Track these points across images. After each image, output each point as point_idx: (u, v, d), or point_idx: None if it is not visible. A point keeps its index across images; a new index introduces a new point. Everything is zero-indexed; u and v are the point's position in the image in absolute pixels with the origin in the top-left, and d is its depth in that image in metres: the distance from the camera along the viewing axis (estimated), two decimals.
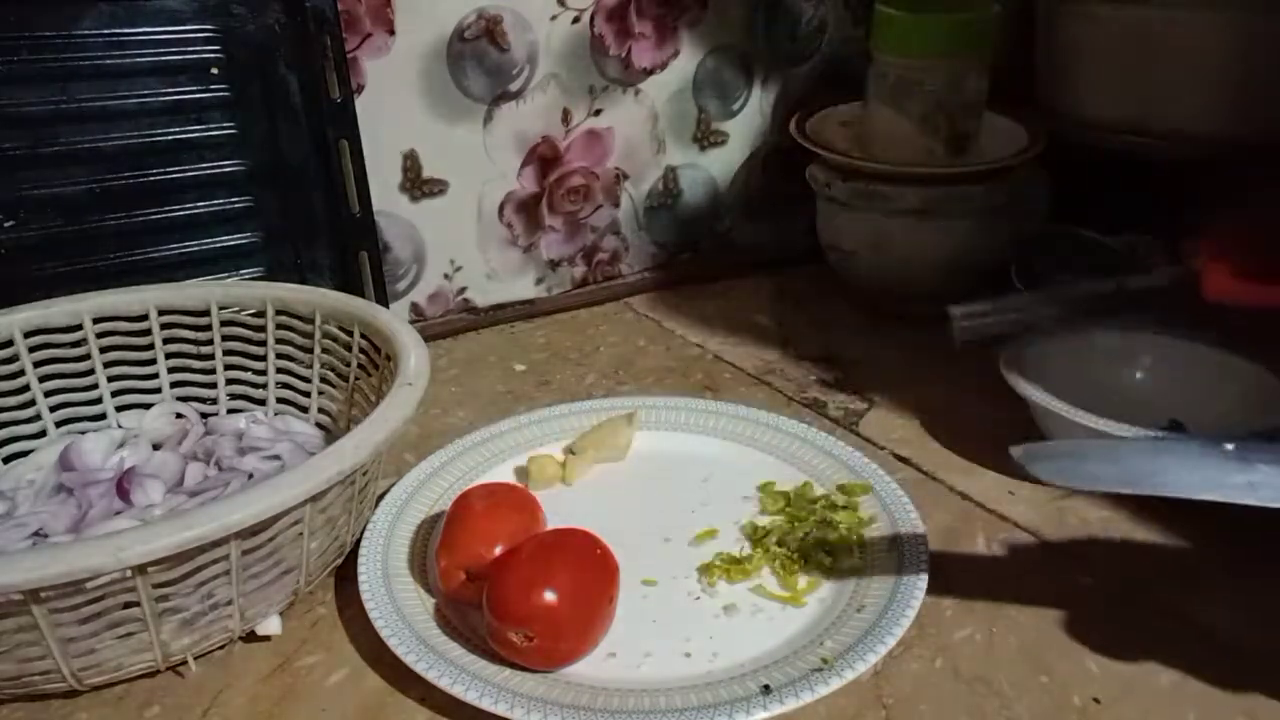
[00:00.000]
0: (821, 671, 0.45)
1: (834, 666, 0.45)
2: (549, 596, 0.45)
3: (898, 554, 0.52)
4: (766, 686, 0.44)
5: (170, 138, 0.67)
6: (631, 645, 0.49)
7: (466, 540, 0.50)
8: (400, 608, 0.49)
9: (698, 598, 0.52)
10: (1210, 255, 0.58)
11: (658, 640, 0.49)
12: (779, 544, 0.54)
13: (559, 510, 0.55)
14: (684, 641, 0.49)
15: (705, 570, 0.53)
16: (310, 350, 0.64)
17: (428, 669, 0.45)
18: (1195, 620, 0.50)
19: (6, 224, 0.64)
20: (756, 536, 0.55)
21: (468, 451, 0.62)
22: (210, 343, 0.65)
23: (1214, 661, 0.47)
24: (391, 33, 0.73)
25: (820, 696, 0.43)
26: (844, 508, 0.57)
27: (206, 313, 0.64)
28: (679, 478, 0.62)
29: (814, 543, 0.54)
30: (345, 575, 0.55)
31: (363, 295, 0.74)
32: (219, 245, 0.71)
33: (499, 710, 0.43)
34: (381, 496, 0.58)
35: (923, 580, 0.50)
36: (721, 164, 0.92)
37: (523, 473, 0.61)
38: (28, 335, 0.60)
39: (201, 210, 0.69)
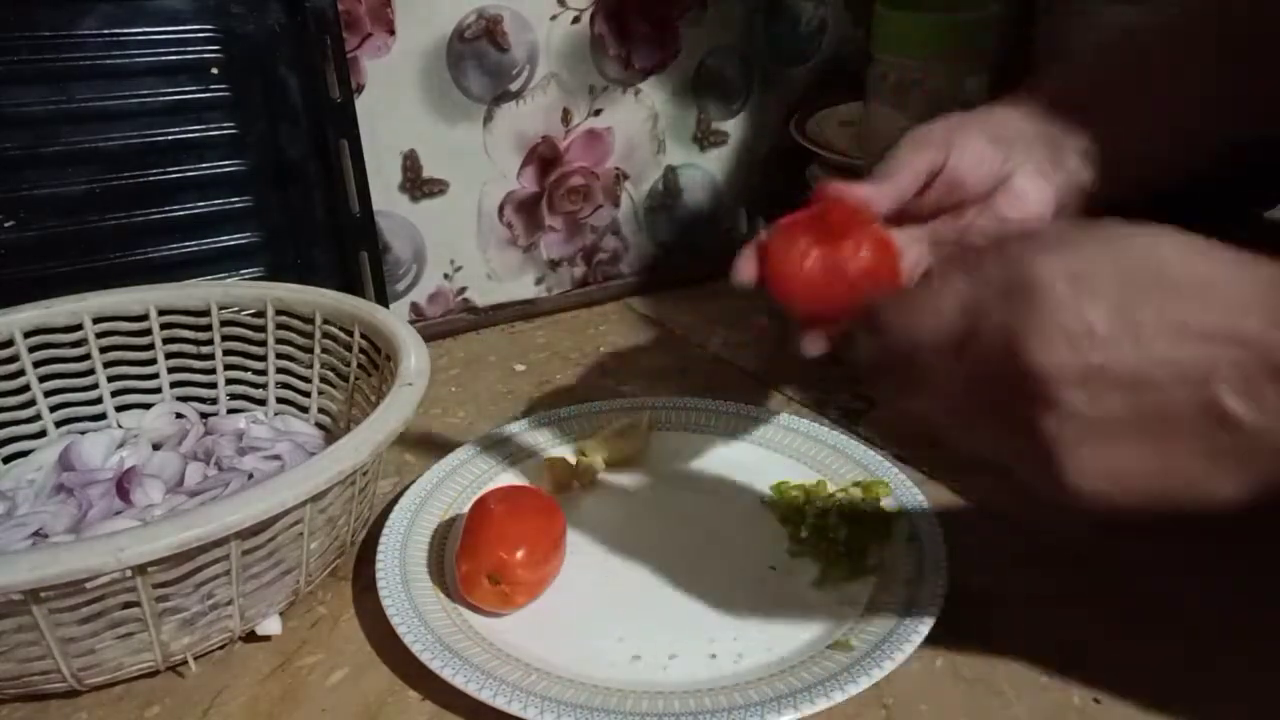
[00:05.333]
0: (851, 670, 0.45)
1: (861, 665, 0.45)
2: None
3: (918, 551, 0.52)
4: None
5: (170, 138, 0.67)
6: (656, 648, 0.49)
7: (488, 544, 0.50)
8: (420, 611, 0.49)
9: (723, 598, 0.52)
10: None
11: (683, 642, 0.49)
12: (802, 542, 0.55)
13: (575, 512, 0.55)
14: (709, 643, 0.49)
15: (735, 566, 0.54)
16: (310, 350, 0.64)
17: (454, 675, 0.45)
18: (1195, 618, 0.50)
19: (6, 224, 0.64)
20: (790, 531, 0.56)
21: (482, 453, 0.62)
22: (210, 343, 0.65)
23: (1214, 660, 0.47)
24: (391, 33, 0.73)
25: (850, 696, 0.44)
26: (863, 505, 0.57)
27: (206, 313, 0.64)
28: (694, 478, 0.62)
29: (838, 540, 0.54)
30: (345, 575, 0.55)
31: (363, 295, 0.74)
32: (219, 245, 0.71)
33: (528, 716, 0.43)
34: (396, 499, 0.58)
35: (943, 579, 0.50)
36: (721, 164, 0.92)
37: (537, 475, 0.61)
38: (28, 335, 0.60)
39: (201, 210, 0.69)
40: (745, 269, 0.47)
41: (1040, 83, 0.53)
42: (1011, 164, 0.50)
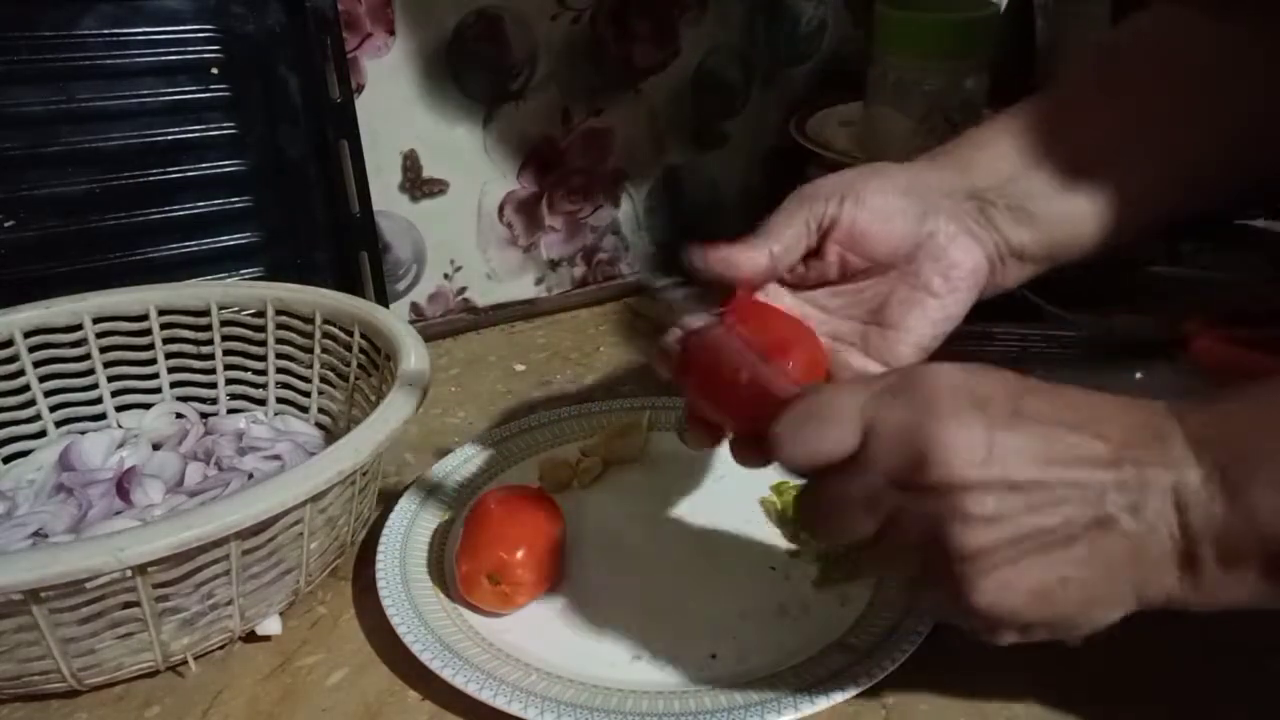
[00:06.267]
0: (851, 670, 0.45)
1: (861, 665, 0.45)
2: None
3: None
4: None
5: (170, 138, 0.67)
6: (656, 648, 0.49)
7: (487, 544, 0.50)
8: (420, 611, 0.49)
9: (723, 599, 0.52)
10: (1200, 324, 0.61)
11: (683, 642, 0.49)
12: (802, 542, 0.55)
13: (575, 513, 0.55)
14: (709, 643, 0.49)
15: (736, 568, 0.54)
16: (310, 350, 0.64)
17: (454, 675, 0.45)
18: (1194, 622, 0.50)
19: (6, 224, 0.64)
20: (787, 533, 0.56)
21: (482, 453, 0.62)
22: (210, 343, 0.65)
23: (1215, 661, 0.47)
24: (391, 33, 0.73)
25: (850, 696, 0.44)
26: None
27: (206, 313, 0.64)
28: (693, 478, 0.61)
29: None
30: (345, 575, 0.55)
31: (363, 295, 0.74)
32: (219, 245, 0.71)
33: (529, 716, 0.43)
34: (396, 499, 0.58)
35: None
36: (721, 164, 0.92)
37: (537, 475, 0.61)
38: (28, 335, 0.60)
39: (201, 210, 0.69)
40: (666, 364, 0.43)
41: (992, 131, 0.49)
42: (931, 225, 0.45)
